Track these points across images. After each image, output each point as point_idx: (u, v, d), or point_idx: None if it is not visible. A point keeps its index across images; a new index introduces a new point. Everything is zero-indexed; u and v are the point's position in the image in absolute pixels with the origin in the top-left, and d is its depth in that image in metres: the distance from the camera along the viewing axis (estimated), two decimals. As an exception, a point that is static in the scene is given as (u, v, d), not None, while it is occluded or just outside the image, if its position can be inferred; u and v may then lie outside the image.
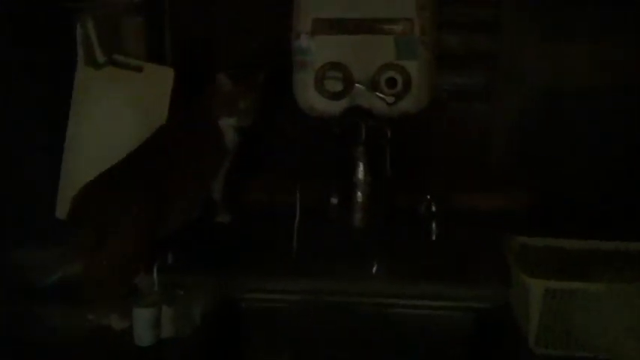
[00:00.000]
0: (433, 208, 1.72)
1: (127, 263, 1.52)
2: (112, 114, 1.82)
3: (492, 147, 1.92)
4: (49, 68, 1.75)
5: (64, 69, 1.74)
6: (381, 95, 1.65)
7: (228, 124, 1.73)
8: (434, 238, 1.72)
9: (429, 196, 1.73)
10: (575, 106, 1.86)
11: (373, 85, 1.65)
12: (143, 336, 1.45)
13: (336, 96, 1.67)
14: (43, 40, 1.68)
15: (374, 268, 1.69)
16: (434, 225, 1.72)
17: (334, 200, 1.74)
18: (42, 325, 1.61)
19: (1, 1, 1.54)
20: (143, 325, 1.45)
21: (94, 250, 1.49)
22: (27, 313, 1.73)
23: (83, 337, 1.52)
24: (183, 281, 1.58)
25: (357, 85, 1.66)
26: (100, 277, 1.49)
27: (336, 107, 1.68)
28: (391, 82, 1.65)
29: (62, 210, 1.75)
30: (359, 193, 1.74)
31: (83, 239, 1.50)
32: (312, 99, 1.69)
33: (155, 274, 1.52)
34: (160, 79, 1.79)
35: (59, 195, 1.84)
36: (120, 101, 1.81)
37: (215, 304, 1.58)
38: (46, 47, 1.70)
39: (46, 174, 1.86)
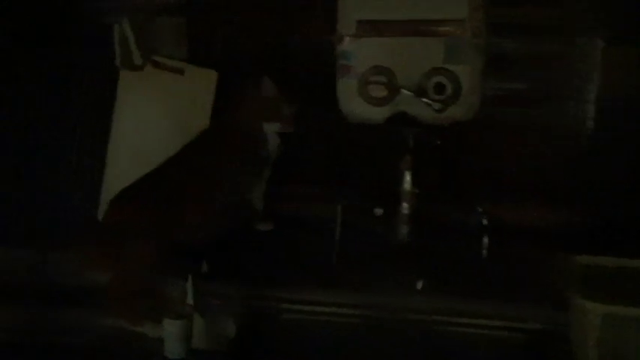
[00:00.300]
0: (484, 222, 1.66)
1: (150, 276, 1.50)
2: (154, 117, 1.81)
3: (548, 158, 1.82)
4: (87, 70, 1.74)
5: (103, 71, 1.72)
6: (427, 101, 1.57)
7: (271, 130, 1.70)
8: (485, 254, 1.66)
9: (479, 210, 1.67)
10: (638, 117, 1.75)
11: (420, 91, 1.58)
12: (172, 348, 1.42)
13: (380, 102, 1.60)
14: (80, 41, 1.68)
15: (419, 284, 1.64)
16: (485, 240, 1.66)
17: (378, 211, 1.69)
18: (74, 329, 1.62)
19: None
20: (173, 337, 1.42)
21: (115, 260, 1.47)
22: (60, 317, 1.76)
23: (117, 343, 1.53)
24: (218, 291, 1.56)
25: (402, 90, 1.59)
26: (123, 289, 1.47)
27: (380, 114, 1.61)
28: (439, 88, 1.58)
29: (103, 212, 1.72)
30: (404, 204, 1.67)
31: (106, 248, 1.48)
32: (355, 105, 1.63)
33: (189, 284, 1.49)
34: (203, 82, 1.78)
35: (102, 197, 1.84)
36: (161, 104, 1.80)
37: (250, 316, 1.55)
38: (84, 48, 1.70)
39: (88, 176, 1.86)
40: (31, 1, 1.81)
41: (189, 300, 1.48)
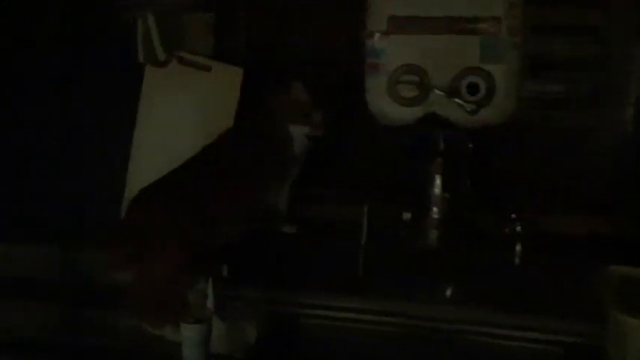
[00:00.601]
0: (518, 230, 1.61)
1: (173, 278, 1.46)
2: (179, 113, 1.79)
3: (589, 163, 1.77)
4: (111, 66, 1.72)
5: (127, 67, 1.70)
6: (460, 102, 1.53)
7: (300, 133, 1.68)
8: (517, 262, 1.61)
9: (513, 216, 1.62)
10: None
11: (452, 91, 1.54)
12: (191, 353, 1.38)
13: (410, 102, 1.57)
14: (105, 37, 1.67)
15: (448, 292, 1.60)
16: (518, 248, 1.61)
17: (406, 215, 1.65)
18: (97, 329, 1.60)
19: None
20: (191, 341, 1.38)
21: (137, 261, 1.43)
22: (82, 316, 1.75)
23: (136, 345, 1.52)
24: (239, 295, 1.53)
25: (434, 90, 1.55)
26: (144, 291, 1.43)
27: (410, 115, 1.58)
28: (473, 88, 1.54)
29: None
30: (434, 209, 1.63)
31: (127, 249, 1.45)
32: (384, 105, 1.59)
33: (210, 287, 1.45)
34: (229, 80, 1.76)
35: (126, 195, 1.83)
36: (187, 101, 1.78)
37: (272, 321, 1.52)
38: (108, 44, 1.68)
39: (114, 174, 1.85)
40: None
41: (209, 304, 1.45)
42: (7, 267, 1.90)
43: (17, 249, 1.90)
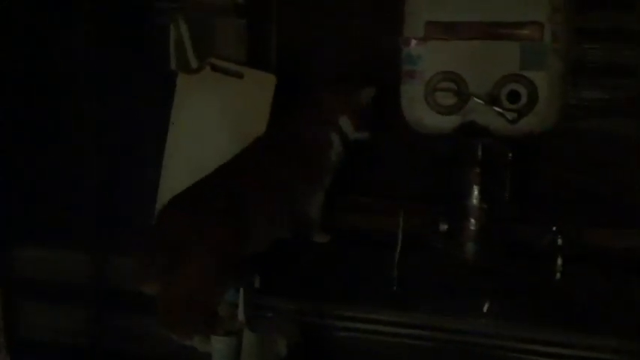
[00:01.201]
0: (559, 243, 1.57)
1: (203, 289, 1.44)
2: (211, 120, 1.77)
3: (633, 174, 1.70)
4: (144, 72, 1.71)
5: (160, 72, 1.69)
6: (500, 111, 1.48)
7: (346, 129, 1.67)
8: (558, 276, 1.57)
9: (554, 229, 1.58)
10: None
11: (492, 99, 1.49)
12: (220, 366, 1.35)
13: (448, 110, 1.53)
14: (139, 43, 1.66)
15: (485, 306, 1.55)
16: (559, 262, 1.57)
17: (443, 227, 1.60)
18: (125, 336, 1.60)
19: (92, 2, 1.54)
20: (221, 354, 1.37)
21: (166, 272, 1.41)
22: (112, 323, 1.74)
23: (166, 354, 1.53)
24: (270, 306, 1.51)
25: (473, 98, 1.50)
26: (173, 302, 1.41)
27: (447, 123, 1.54)
28: (514, 96, 1.49)
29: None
30: (472, 221, 1.59)
31: (156, 258, 1.43)
32: (421, 113, 1.56)
33: (241, 298, 1.43)
34: (261, 86, 1.73)
35: (158, 202, 1.81)
36: (219, 108, 1.76)
37: (304, 333, 1.50)
38: (141, 50, 1.67)
39: (147, 181, 1.84)
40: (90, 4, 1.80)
41: (240, 315, 1.42)
42: (42, 271, 1.92)
43: (52, 253, 1.91)
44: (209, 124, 1.77)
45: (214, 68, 1.75)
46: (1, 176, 1.91)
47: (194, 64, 1.65)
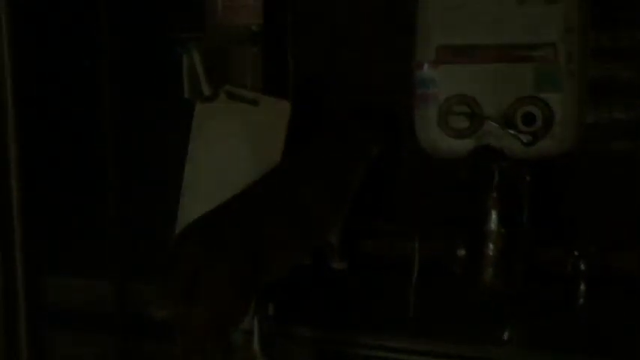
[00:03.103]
0: (581, 267, 1.54)
1: (220, 317, 1.42)
2: (227, 148, 1.77)
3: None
4: (163, 99, 1.74)
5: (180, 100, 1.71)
6: (515, 133, 1.45)
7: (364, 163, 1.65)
8: (581, 302, 1.53)
9: (576, 253, 1.55)
10: None
11: (507, 122, 1.46)
12: (234, 396, 1.34)
13: (462, 134, 1.50)
14: (155, 73, 1.68)
15: (505, 334, 1.52)
16: (582, 287, 1.53)
17: (461, 252, 1.57)
18: None
19: (108, 33, 1.56)
20: None
21: (182, 301, 1.40)
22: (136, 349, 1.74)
23: None
24: (286, 333, 1.48)
25: (487, 121, 1.48)
26: (190, 331, 1.40)
27: (462, 147, 1.51)
28: (529, 118, 1.45)
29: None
30: (490, 246, 1.54)
31: (173, 286, 1.42)
32: (435, 137, 1.53)
33: (255, 326, 1.42)
34: (277, 113, 1.72)
35: (177, 230, 1.81)
36: (235, 135, 1.76)
37: None
38: (157, 80, 1.69)
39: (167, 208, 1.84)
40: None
41: (255, 344, 1.41)
42: (66, 299, 1.93)
43: (75, 282, 1.92)
44: (226, 151, 1.77)
45: (230, 96, 1.75)
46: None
47: (207, 91, 1.65)
